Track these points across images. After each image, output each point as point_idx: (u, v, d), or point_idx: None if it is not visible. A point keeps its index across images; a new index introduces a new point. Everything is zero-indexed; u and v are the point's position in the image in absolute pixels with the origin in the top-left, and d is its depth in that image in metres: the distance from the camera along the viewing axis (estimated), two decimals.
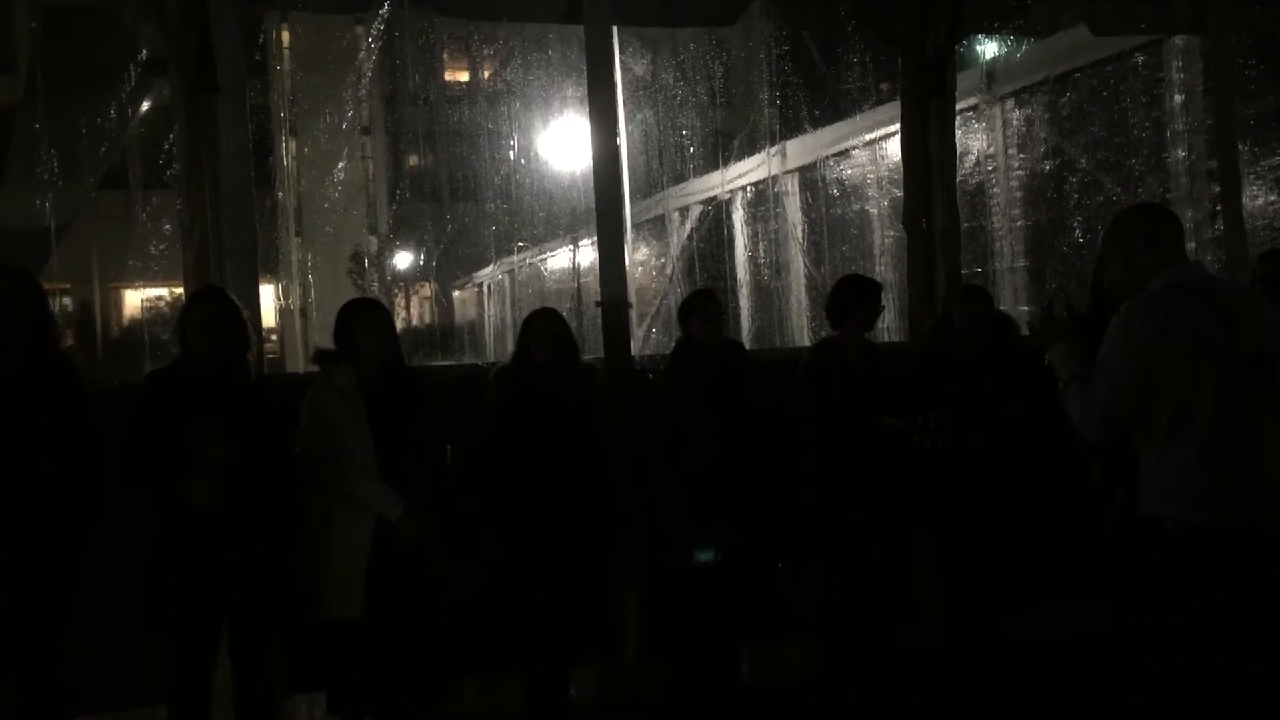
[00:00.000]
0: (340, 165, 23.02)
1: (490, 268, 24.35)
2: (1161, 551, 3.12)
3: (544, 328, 4.66)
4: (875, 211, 11.66)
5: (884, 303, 5.34)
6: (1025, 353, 5.09)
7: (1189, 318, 3.06)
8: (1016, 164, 9.67)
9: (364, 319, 4.24)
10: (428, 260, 26.24)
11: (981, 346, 5.10)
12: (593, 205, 5.72)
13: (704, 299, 5.11)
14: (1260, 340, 3.08)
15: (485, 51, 23.93)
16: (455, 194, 25.61)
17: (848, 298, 5.13)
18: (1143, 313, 3.11)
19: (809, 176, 12.96)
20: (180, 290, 5.15)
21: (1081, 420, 3.20)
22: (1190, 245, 6.68)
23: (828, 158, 12.40)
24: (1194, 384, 3.05)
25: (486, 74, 24.96)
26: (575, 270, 19.15)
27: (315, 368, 4.34)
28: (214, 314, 4.02)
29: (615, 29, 6.82)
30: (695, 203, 15.24)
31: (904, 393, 5.03)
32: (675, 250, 15.62)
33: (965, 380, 5.02)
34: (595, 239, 5.73)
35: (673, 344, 5.15)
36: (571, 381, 4.65)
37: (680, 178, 16.11)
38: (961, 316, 5.17)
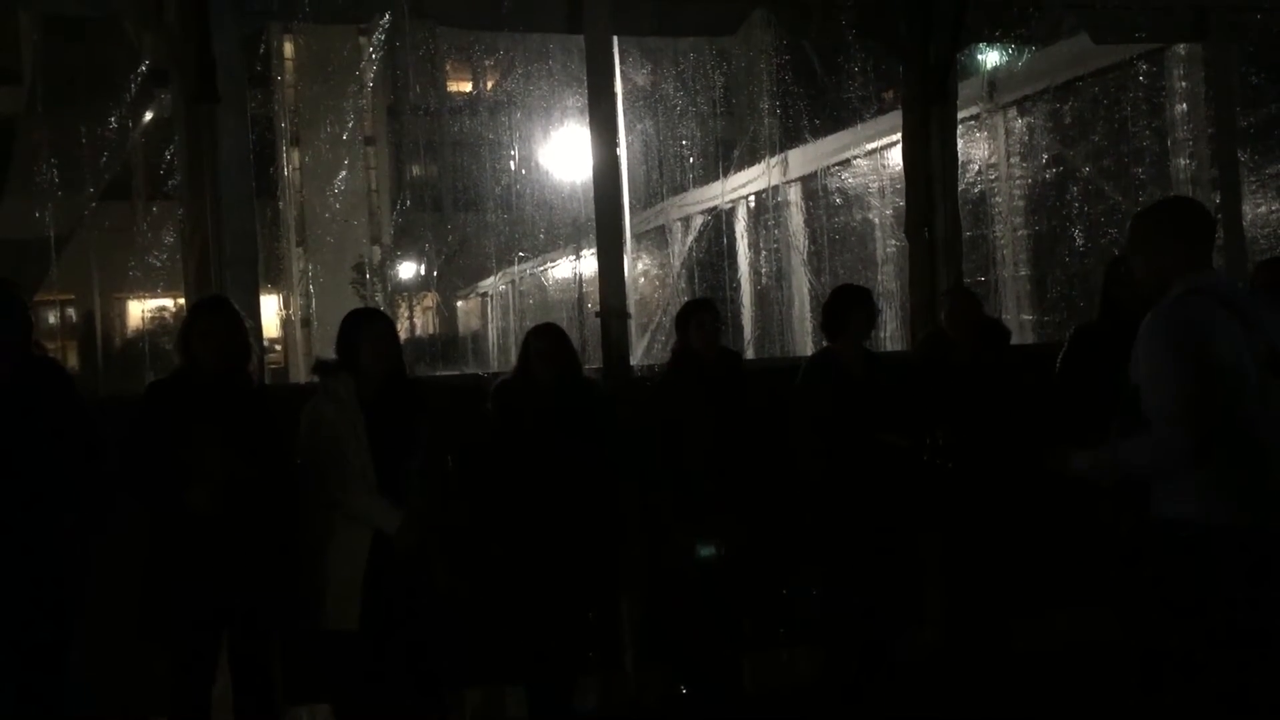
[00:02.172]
0: (342, 175, 22.99)
1: (492, 278, 24.35)
2: (1179, 556, 3.10)
3: (544, 346, 4.64)
4: (877, 221, 11.65)
5: (880, 309, 5.33)
6: (1017, 359, 5.12)
7: (1208, 322, 3.05)
8: (1018, 173, 9.66)
9: (367, 330, 4.22)
10: (430, 270, 26.22)
11: (974, 352, 5.09)
12: (594, 215, 5.72)
13: (701, 309, 5.11)
14: (1275, 342, 3.07)
15: (487, 62, 23.94)
16: (457, 204, 25.59)
17: (842, 307, 5.12)
18: (1171, 319, 3.09)
19: (810, 186, 12.95)
20: (182, 301, 5.15)
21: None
22: None
23: (829, 167, 12.38)
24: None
25: (488, 84, 24.99)
26: (577, 280, 19.14)
27: (316, 378, 4.33)
28: (219, 324, 4.02)
29: (615, 39, 6.81)
30: (696, 213, 15.23)
31: (904, 402, 5.02)
32: (677, 261, 15.61)
33: (960, 388, 5.00)
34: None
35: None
36: (573, 396, 4.63)
37: (681, 188, 16.09)
38: (950, 319, 5.17)
